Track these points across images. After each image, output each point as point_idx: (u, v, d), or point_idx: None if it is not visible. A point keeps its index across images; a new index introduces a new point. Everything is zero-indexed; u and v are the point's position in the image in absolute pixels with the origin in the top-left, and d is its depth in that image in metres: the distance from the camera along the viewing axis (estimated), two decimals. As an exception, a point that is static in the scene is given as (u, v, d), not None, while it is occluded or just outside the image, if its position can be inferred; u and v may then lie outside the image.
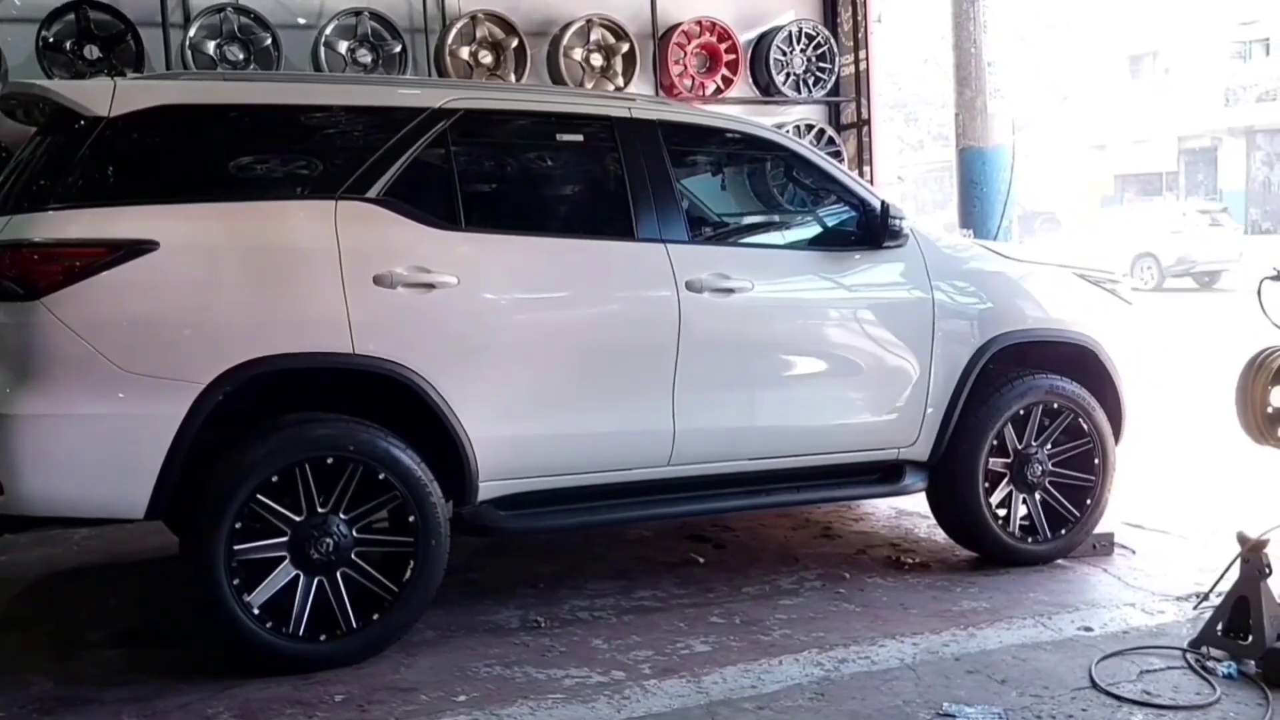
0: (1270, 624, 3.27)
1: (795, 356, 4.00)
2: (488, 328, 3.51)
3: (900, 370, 4.12)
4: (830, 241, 4.16)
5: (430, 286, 3.43)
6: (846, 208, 4.21)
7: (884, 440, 4.13)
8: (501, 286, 3.56)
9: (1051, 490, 4.34)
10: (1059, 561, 4.38)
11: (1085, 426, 4.33)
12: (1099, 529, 4.47)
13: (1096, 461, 4.36)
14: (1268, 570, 3.31)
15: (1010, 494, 4.30)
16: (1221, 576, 3.61)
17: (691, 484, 3.89)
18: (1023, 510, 4.34)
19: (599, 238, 3.79)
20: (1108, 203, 37.70)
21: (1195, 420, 6.84)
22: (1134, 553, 4.52)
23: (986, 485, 4.24)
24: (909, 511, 5.16)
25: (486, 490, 3.57)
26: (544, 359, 3.58)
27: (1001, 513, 4.30)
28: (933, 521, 4.63)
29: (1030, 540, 4.32)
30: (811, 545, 4.71)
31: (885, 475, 4.20)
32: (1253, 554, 3.32)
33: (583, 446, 3.66)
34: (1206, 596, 3.75)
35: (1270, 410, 3.69)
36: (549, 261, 3.66)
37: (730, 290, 3.83)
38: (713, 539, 4.80)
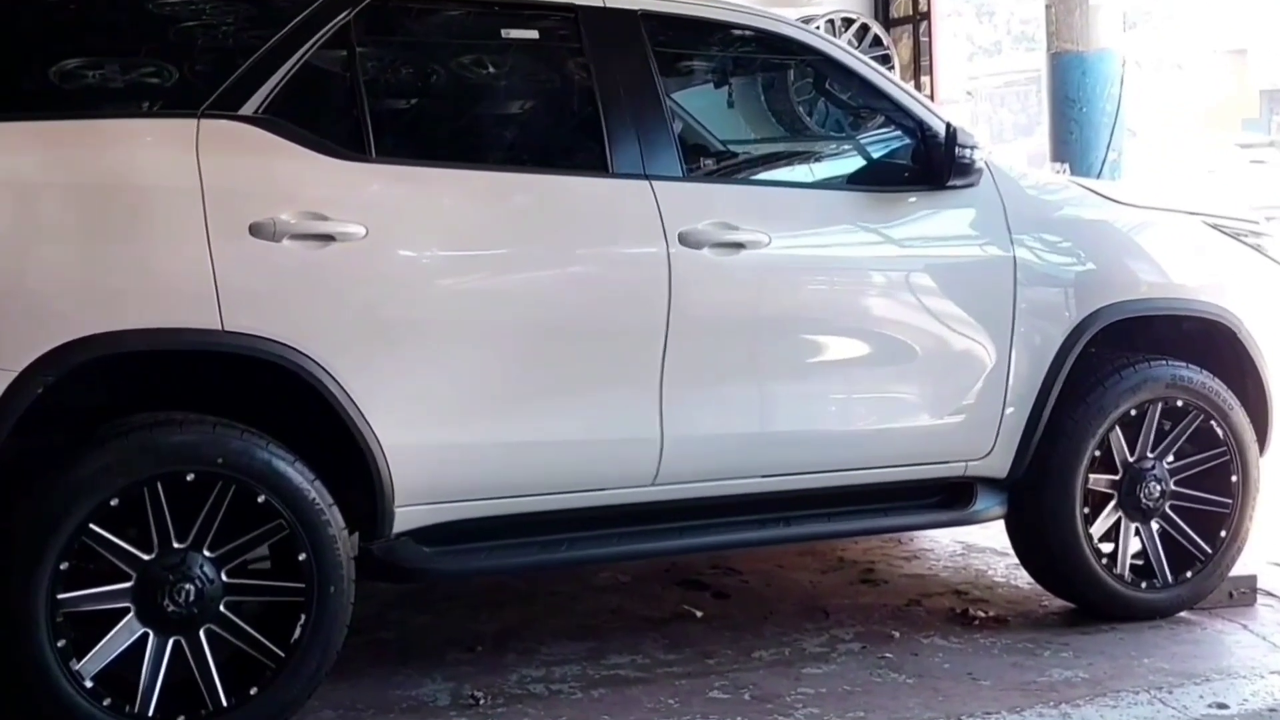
0: None
1: (826, 337, 4.01)
2: (407, 297, 3.50)
3: (969, 356, 4.14)
4: (876, 179, 4.18)
5: (328, 239, 3.41)
6: (898, 133, 4.22)
7: (947, 451, 4.15)
8: (426, 240, 3.55)
9: (1174, 518, 4.39)
10: (1183, 614, 4.42)
11: (1220, 432, 4.38)
12: (1237, 570, 4.52)
13: (1235, 479, 4.41)
14: None
15: (1118, 523, 4.35)
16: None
17: (685, 510, 3.91)
18: (1135, 545, 4.38)
19: (560, 172, 3.79)
20: (1250, 126, 37.94)
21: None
22: (1285, 603, 4.59)
23: (1086, 511, 4.28)
24: (980, 547, 5.19)
25: (406, 518, 3.57)
26: (484, 340, 3.58)
27: (1106, 548, 4.35)
28: (1012, 560, 4.66)
29: (1145, 586, 4.37)
30: (848, 593, 4.73)
31: (948, 498, 4.23)
32: None
33: (537, 459, 3.66)
34: (1381, 662, 3.80)
35: None
36: (491, 205, 3.66)
37: (739, 245, 3.84)
38: (713, 586, 4.81)
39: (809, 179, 4.38)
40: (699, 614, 4.49)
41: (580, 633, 4.31)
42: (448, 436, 3.55)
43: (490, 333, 3.59)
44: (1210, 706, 3.68)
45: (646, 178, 3.77)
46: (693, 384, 3.80)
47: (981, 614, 4.45)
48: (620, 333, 3.72)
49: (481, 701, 3.74)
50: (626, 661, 4.05)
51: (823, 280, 4.03)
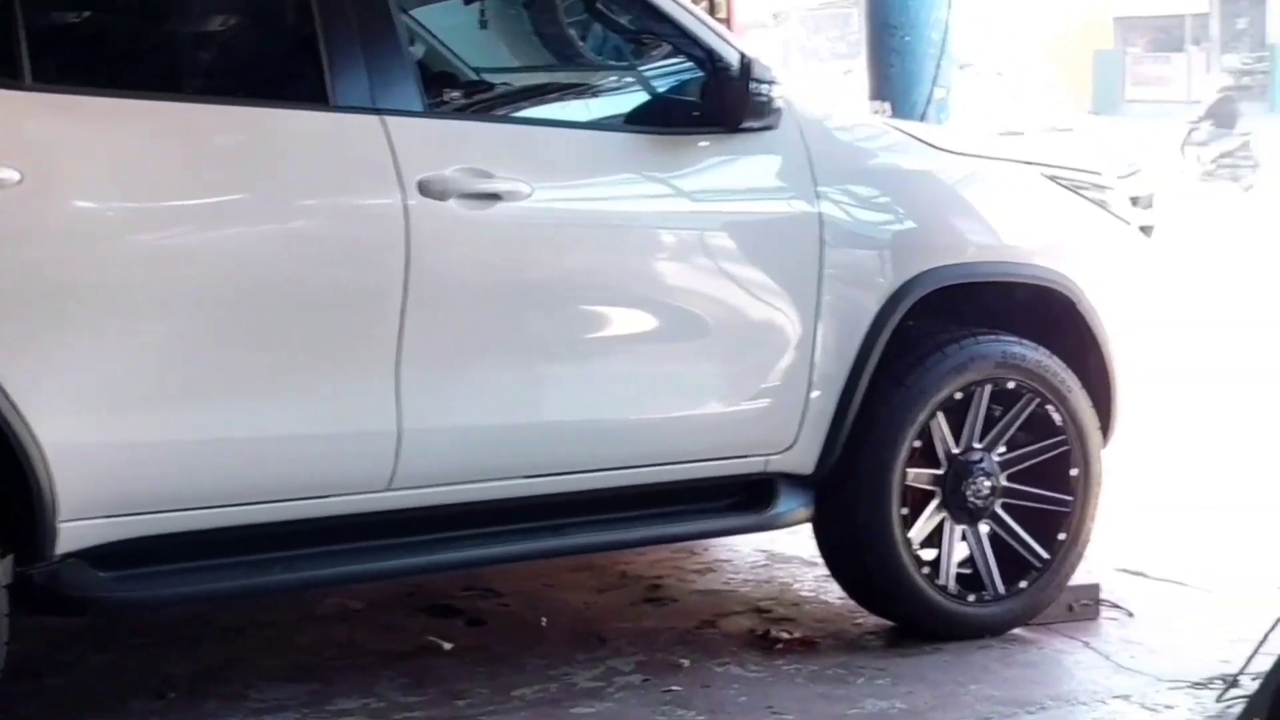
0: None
1: (601, 308, 4.04)
2: (75, 258, 3.43)
3: (768, 331, 4.21)
4: (660, 119, 4.20)
5: (-31, 185, 3.31)
6: (686, 64, 4.25)
7: (744, 443, 4.22)
8: (99, 188, 3.47)
9: (1005, 519, 4.51)
10: (1017, 631, 4.55)
11: (1057, 418, 4.52)
12: (1078, 579, 4.67)
13: (1074, 473, 4.56)
14: (1324, 638, 3.55)
15: (942, 525, 4.46)
16: (1259, 648, 3.82)
17: (430, 520, 3.90)
18: (961, 551, 4.50)
19: (269, 104, 3.74)
20: (1104, 61, 39.57)
21: (1229, 409, 7.22)
22: (1131, 615, 4.75)
23: (905, 512, 4.38)
24: (785, 556, 5.26)
25: (75, 536, 3.49)
26: (175, 312, 3.52)
27: (928, 556, 4.45)
28: (821, 571, 4.75)
29: (973, 599, 4.49)
30: (629, 616, 4.76)
31: (747, 499, 4.29)
32: (1301, 612, 3.55)
33: (241, 459, 3.62)
34: (1236, 680, 3.97)
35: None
36: (183, 145, 3.59)
37: (494, 197, 3.83)
38: (466, 611, 4.80)
39: (580, 118, 4.40)
40: (448, 646, 4.46)
41: (299, 673, 4.25)
42: (128, 432, 3.49)
43: (183, 303, 3.53)
44: (1045, 739, 3.83)
45: (377, 112, 3.73)
46: (438, 365, 3.80)
47: (785, 635, 4.51)
48: (345, 302, 3.69)
49: (174, 760, 3.66)
50: (357, 706, 4.01)
51: (596, 239, 4.06)
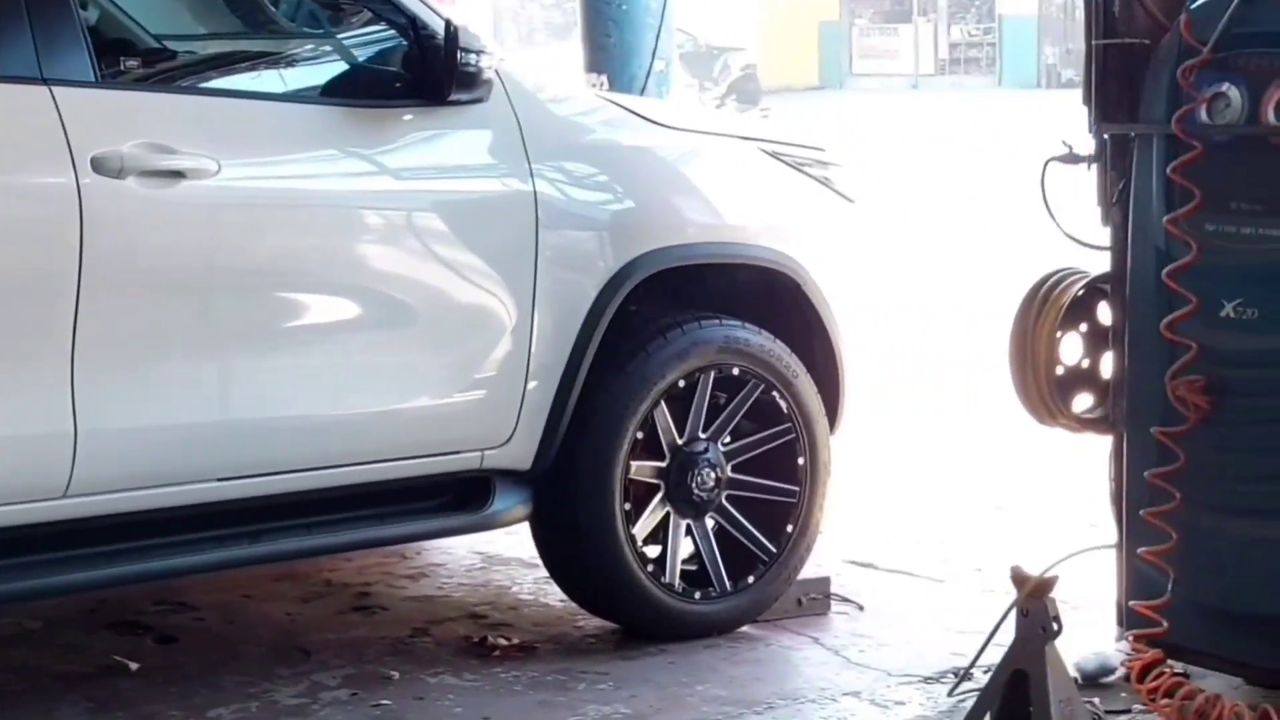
0: (1060, 711, 3.62)
1: (297, 295, 4.02)
2: None
3: (482, 317, 4.22)
4: (361, 91, 4.20)
5: None
6: (387, 33, 4.26)
7: (457, 438, 4.23)
8: None
9: (732, 512, 4.59)
10: (745, 629, 4.64)
11: (783, 405, 4.61)
12: (808, 573, 4.78)
13: (802, 462, 4.66)
14: (1055, 627, 3.65)
15: (667, 520, 4.52)
16: (989, 639, 3.96)
17: (113, 529, 3.83)
18: (687, 547, 4.57)
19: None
20: (829, 33, 40.52)
21: (960, 394, 7.46)
22: (862, 609, 4.88)
23: (628, 508, 4.43)
24: (503, 558, 5.28)
25: None
26: None
27: (653, 552, 4.51)
28: (541, 573, 4.78)
29: (699, 596, 4.56)
30: (335, 626, 4.72)
31: (461, 497, 4.30)
32: (1033, 602, 3.66)
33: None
34: (968, 674, 4.09)
35: (1061, 371, 4.12)
36: None
37: (178, 175, 3.77)
38: (156, 628, 4.70)
39: (273, 89, 4.37)
40: (135, 666, 4.36)
41: (-34, 701, 4.12)
42: None
43: None
44: (772, 740, 3.91)
45: (45, 82, 3.64)
46: (117, 358, 3.73)
47: (503, 641, 4.53)
48: (12, 290, 3.59)
49: None
50: (32, 734, 3.91)
51: (291, 220, 4.02)
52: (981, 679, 3.91)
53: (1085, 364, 4.15)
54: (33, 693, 4.17)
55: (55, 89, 3.64)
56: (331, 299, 4.06)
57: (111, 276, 3.68)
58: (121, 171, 3.67)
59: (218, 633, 4.66)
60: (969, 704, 3.82)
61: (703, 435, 4.52)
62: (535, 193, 4.24)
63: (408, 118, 4.16)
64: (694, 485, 4.50)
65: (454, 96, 4.08)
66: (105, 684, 4.24)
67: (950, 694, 4.11)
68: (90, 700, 4.12)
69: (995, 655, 3.82)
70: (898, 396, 6.71)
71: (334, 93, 4.19)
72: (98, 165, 3.64)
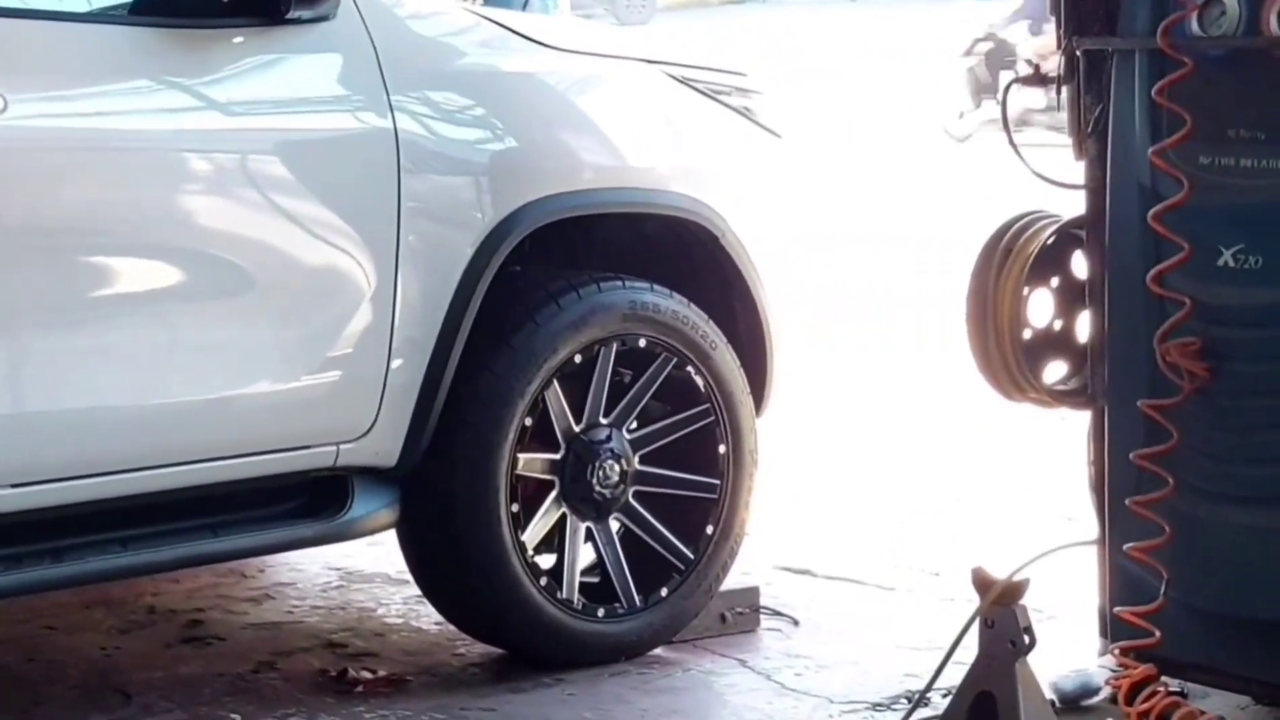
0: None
1: (104, 258, 4.01)
2: None
3: (333, 282, 4.20)
4: (179, 7, 4.14)
5: None
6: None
7: (305, 430, 4.21)
8: None
9: (640, 511, 4.58)
10: (659, 651, 4.63)
11: (699, 383, 4.60)
12: (732, 583, 4.77)
13: (723, 450, 4.65)
14: (1026, 640, 3.65)
15: (563, 523, 4.50)
16: (948, 657, 3.92)
17: None
18: (587, 555, 4.56)
19: None
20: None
21: (911, 364, 7.50)
22: (796, 624, 4.89)
23: (515, 509, 4.41)
24: (365, 574, 5.26)
25: None
26: None
27: (546, 563, 4.49)
28: (412, 592, 4.75)
29: (603, 613, 4.54)
30: (162, 662, 4.68)
31: (312, 502, 4.28)
32: (999, 611, 3.66)
33: None
34: (924, 698, 4.07)
35: (1029, 335, 4.12)
36: None
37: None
38: (-63, 668, 4.65)
39: (72, 7, 4.28)
40: (-88, 715, 4.30)
41: None
42: None
43: None
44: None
45: None
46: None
47: (367, 675, 4.49)
48: None
49: None
50: None
51: (97, 166, 3.99)
52: (940, 704, 3.93)
53: (1058, 326, 4.16)
54: None
55: None
56: (148, 263, 4.03)
57: None
58: None
59: (16, 673, 4.61)
60: (926, 737, 3.83)
61: (604, 421, 4.51)
62: (396, 130, 4.20)
63: (238, 40, 4.13)
64: (594, 481, 4.48)
65: (293, 14, 4.05)
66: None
67: (903, 723, 4.11)
68: None
69: (956, 675, 3.81)
70: (841, 335, 6.70)
71: (146, 10, 4.14)
72: None
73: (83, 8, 4.31)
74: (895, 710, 4.21)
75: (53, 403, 3.88)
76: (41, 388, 3.88)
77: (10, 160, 3.80)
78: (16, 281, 3.82)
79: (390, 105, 4.21)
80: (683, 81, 4.75)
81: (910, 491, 6.05)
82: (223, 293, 4.10)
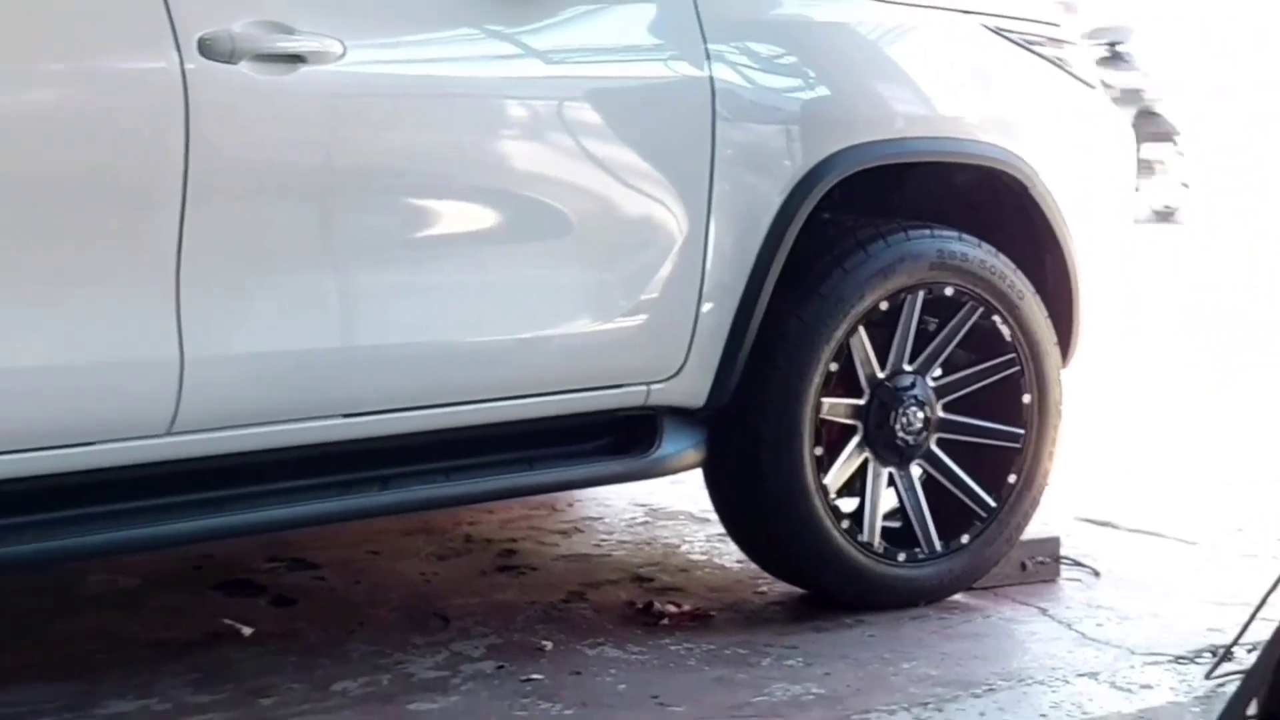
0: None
1: (433, 201, 4.06)
2: None
3: (647, 227, 4.24)
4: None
5: None
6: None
7: (617, 369, 4.25)
8: None
9: (942, 459, 4.59)
10: (959, 597, 4.65)
11: (1006, 332, 4.59)
12: (1033, 533, 4.77)
13: (1027, 400, 4.64)
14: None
15: (865, 468, 4.52)
16: (1256, 613, 3.90)
17: (221, 473, 3.89)
18: (889, 500, 4.57)
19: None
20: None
21: (1219, 320, 7.37)
22: (1098, 575, 4.89)
23: (819, 453, 4.43)
24: (670, 511, 5.33)
25: None
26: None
27: (848, 506, 4.51)
28: (715, 529, 4.81)
29: (904, 558, 4.56)
30: (478, 589, 4.78)
31: (622, 440, 4.34)
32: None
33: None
34: (1229, 652, 4.05)
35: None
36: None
37: (297, 59, 3.79)
38: (271, 588, 4.80)
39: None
40: (248, 631, 4.45)
41: (61, 669, 4.20)
42: None
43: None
44: (994, 729, 3.90)
45: (143, -50, 3.67)
46: (228, 275, 3.77)
47: (673, 609, 4.56)
48: (107, 196, 3.64)
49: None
50: (134, 709, 3.97)
51: (429, 114, 4.05)
52: (1246, 659, 3.88)
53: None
54: (130, 662, 4.25)
55: (155, -43, 3.67)
56: (471, 206, 4.09)
57: (221, 180, 3.71)
58: (233, 55, 3.69)
59: (342, 595, 4.73)
60: (1230, 689, 3.75)
61: (908, 368, 4.51)
62: (712, 79, 4.23)
63: (556, -9, 4.17)
64: (898, 427, 4.50)
65: (620, -37, 4.12)
66: (212, 652, 4.32)
67: (1207, 677, 4.08)
68: (196, 671, 4.18)
69: (1263, 631, 3.75)
70: (1147, 322, 6.62)
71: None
72: (205, 48, 3.67)
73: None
74: (1199, 664, 4.18)
75: (382, 337, 3.96)
76: (371, 323, 3.95)
77: (349, 103, 3.88)
78: (348, 222, 3.92)
79: (707, 54, 4.23)
80: (996, 31, 4.72)
81: (1211, 447, 5.97)
82: (541, 235, 4.14)
